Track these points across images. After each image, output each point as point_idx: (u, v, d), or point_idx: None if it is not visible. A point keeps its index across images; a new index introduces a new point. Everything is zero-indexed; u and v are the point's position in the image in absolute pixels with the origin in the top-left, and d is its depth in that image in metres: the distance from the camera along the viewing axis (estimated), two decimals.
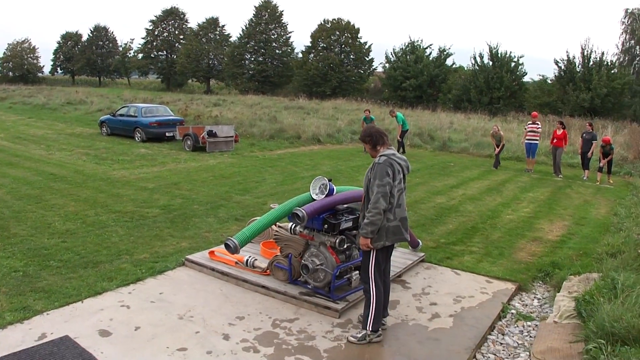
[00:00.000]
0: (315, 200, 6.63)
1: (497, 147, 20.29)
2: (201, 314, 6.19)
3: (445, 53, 59.62)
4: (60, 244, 8.60)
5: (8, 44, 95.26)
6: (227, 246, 6.67)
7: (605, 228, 11.30)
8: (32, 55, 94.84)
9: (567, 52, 49.39)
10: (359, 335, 5.67)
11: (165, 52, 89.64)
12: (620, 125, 35.45)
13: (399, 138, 22.89)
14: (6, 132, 24.92)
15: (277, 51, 75.25)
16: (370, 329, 5.62)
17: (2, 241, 8.62)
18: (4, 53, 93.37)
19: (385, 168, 5.48)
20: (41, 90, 57.25)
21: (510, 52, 52.28)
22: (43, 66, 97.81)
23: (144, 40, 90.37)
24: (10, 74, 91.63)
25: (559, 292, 7.11)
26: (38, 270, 7.32)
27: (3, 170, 14.98)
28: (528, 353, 5.74)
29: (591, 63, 46.63)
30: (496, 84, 49.69)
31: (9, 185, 13.03)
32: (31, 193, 12.28)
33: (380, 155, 5.62)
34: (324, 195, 6.63)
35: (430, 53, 60.13)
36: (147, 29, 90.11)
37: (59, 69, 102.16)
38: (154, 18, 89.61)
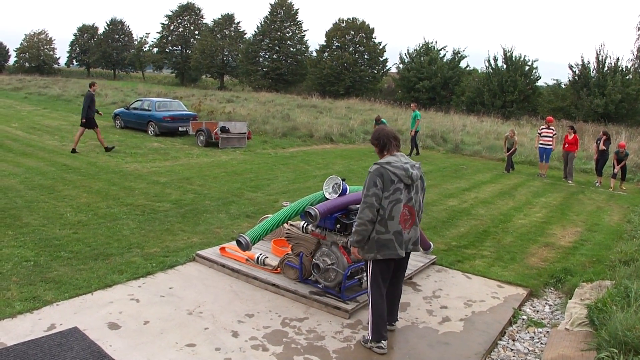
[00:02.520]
0: (328, 199, 6.60)
1: (508, 151, 20.20)
2: (210, 310, 6.17)
3: (459, 55, 59.64)
4: (71, 235, 8.62)
5: (25, 34, 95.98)
6: (238, 243, 6.64)
7: (619, 235, 11.21)
8: (48, 47, 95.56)
9: (581, 57, 49.46)
10: (365, 339, 5.63)
11: (180, 47, 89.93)
12: (635, 131, 35.25)
13: (412, 134, 22.87)
14: (21, 122, 25.02)
15: (291, 49, 75.30)
16: (370, 337, 5.53)
17: (14, 230, 8.64)
18: (21, 44, 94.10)
19: (373, 178, 5.23)
20: (56, 81, 57.51)
21: (525, 56, 52.08)
22: (59, 58, 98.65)
23: (159, 35, 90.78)
24: (27, 64, 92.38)
25: (570, 298, 7.05)
26: (49, 261, 7.33)
27: (17, 160, 15.03)
28: None
29: (606, 68, 46.40)
30: (510, 88, 49.51)
31: (22, 175, 13.07)
32: (44, 183, 12.31)
33: (375, 163, 5.36)
34: (337, 195, 6.60)
35: (445, 55, 60.24)
36: (162, 23, 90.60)
37: (74, 61, 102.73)
38: (170, 13, 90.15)
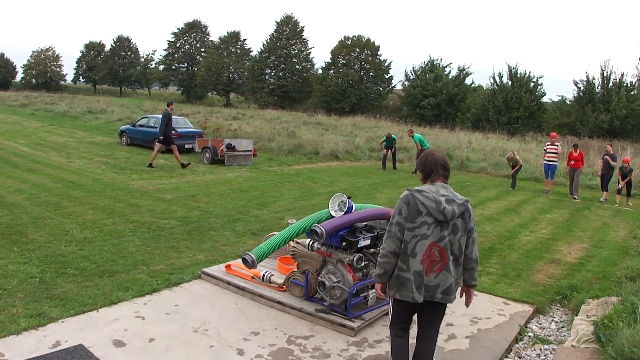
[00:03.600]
0: (334, 217, 6.60)
1: (513, 168, 20.23)
2: (216, 328, 6.16)
3: (464, 72, 59.65)
4: (77, 251, 8.63)
5: (32, 51, 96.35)
6: (244, 261, 6.65)
7: (625, 251, 11.20)
8: (55, 64, 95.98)
9: (586, 73, 49.35)
10: None
11: (186, 65, 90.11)
12: None
13: (416, 159, 22.83)
14: (27, 138, 25.14)
15: (297, 66, 75.44)
16: None
17: (20, 247, 8.66)
18: (28, 60, 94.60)
19: (400, 205, 4.59)
20: (63, 98, 57.82)
21: (530, 72, 52.07)
22: (66, 74, 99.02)
23: (165, 52, 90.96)
24: (34, 81, 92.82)
25: (577, 315, 7.03)
26: (54, 277, 7.34)
27: (23, 176, 15.09)
28: None
29: (610, 84, 46.38)
30: (515, 104, 49.49)
31: (28, 191, 13.11)
32: (50, 200, 12.35)
33: (407, 189, 4.67)
34: (343, 213, 6.60)
35: (450, 72, 60.23)
36: (169, 41, 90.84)
37: (81, 77, 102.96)
38: (177, 30, 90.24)
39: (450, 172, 4.84)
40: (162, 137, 19.18)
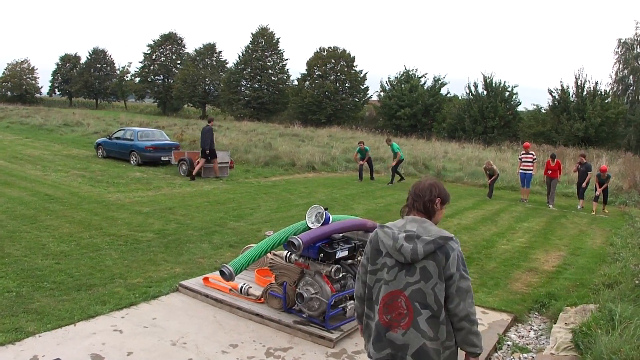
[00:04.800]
0: (311, 228, 6.61)
1: (490, 178, 20.39)
2: (194, 341, 6.14)
3: (440, 82, 60.07)
4: (54, 265, 8.56)
5: (7, 63, 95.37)
6: (222, 273, 6.63)
7: (602, 258, 11.29)
8: (30, 76, 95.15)
9: (561, 81, 49.78)
10: None
11: (162, 77, 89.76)
12: (615, 154, 35.62)
13: (393, 164, 22.91)
14: (3, 151, 24.88)
15: (273, 78, 75.39)
16: None
17: None
18: (3, 73, 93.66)
19: (367, 243, 3.87)
20: (39, 110, 57.42)
21: (505, 82, 52.45)
22: (41, 87, 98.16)
23: (141, 64, 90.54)
24: (9, 93, 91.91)
25: (555, 323, 7.08)
26: (31, 292, 7.28)
27: None
28: None
29: (585, 93, 47.00)
30: (490, 114, 49.88)
31: (4, 205, 12.99)
32: (26, 213, 12.24)
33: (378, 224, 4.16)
34: (320, 224, 6.62)
35: (425, 82, 60.62)
36: (144, 53, 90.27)
37: (56, 90, 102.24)
38: (152, 42, 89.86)
39: (432, 202, 3.72)
40: (207, 151, 20.14)
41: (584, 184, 18.89)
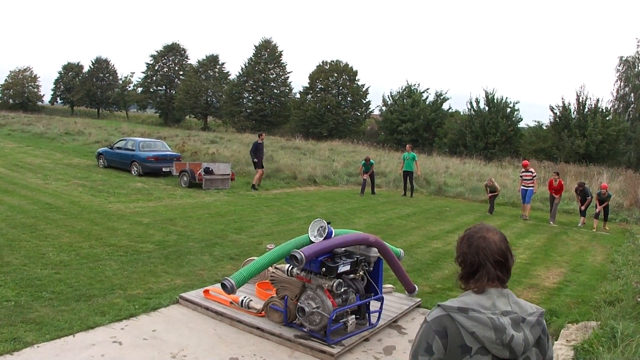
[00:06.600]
0: (313, 242, 6.59)
1: (490, 193, 20.39)
2: (194, 354, 6.10)
3: (441, 97, 60.17)
4: (53, 275, 8.53)
5: (10, 71, 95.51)
6: (223, 286, 6.60)
7: (603, 275, 11.26)
8: (33, 84, 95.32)
9: (562, 98, 49.41)
10: None
11: (164, 87, 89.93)
12: (615, 172, 35.58)
13: (418, 173, 23.43)
14: (3, 159, 24.88)
15: (275, 91, 75.53)
16: None
17: None
18: (5, 80, 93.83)
19: (426, 335, 2.56)
20: (40, 119, 57.38)
21: (506, 98, 52.62)
22: (43, 95, 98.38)
23: (144, 75, 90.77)
24: (11, 101, 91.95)
25: (556, 340, 7.04)
26: (30, 301, 7.24)
27: None
28: None
29: (586, 110, 47.10)
30: (492, 129, 49.98)
31: (4, 213, 12.97)
32: (26, 222, 12.22)
33: (437, 305, 2.70)
34: (323, 238, 6.59)
35: (427, 97, 60.77)
36: (147, 63, 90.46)
37: (58, 98, 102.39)
38: (155, 53, 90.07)
39: (513, 264, 2.74)
40: (256, 161, 22.15)
41: (582, 207, 18.97)
